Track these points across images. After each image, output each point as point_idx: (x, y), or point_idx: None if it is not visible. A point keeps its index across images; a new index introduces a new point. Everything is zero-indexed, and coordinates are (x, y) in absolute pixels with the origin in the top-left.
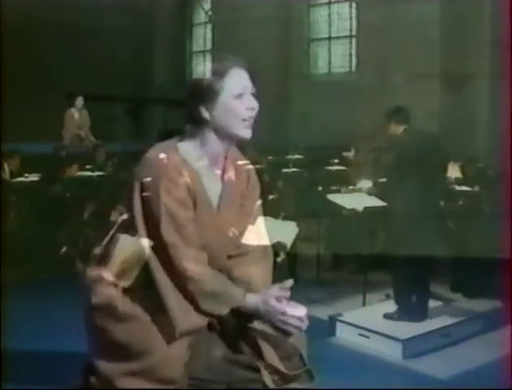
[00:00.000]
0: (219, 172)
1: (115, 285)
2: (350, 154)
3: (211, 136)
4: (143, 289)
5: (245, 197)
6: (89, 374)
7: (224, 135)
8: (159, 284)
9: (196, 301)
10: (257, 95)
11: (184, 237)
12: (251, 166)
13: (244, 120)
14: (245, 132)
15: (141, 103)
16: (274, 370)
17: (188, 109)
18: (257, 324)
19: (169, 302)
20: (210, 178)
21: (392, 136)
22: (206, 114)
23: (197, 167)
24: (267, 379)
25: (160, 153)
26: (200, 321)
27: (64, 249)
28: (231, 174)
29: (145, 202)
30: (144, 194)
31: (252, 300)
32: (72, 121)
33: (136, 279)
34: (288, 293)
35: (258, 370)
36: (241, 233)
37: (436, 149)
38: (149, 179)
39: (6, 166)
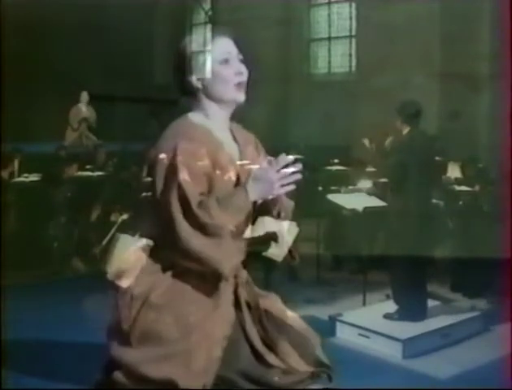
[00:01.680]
0: (231, 138)
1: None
2: (366, 142)
3: (209, 104)
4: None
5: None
6: (112, 368)
7: (220, 101)
8: (187, 240)
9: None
10: (244, 61)
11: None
12: (256, 140)
13: (235, 85)
14: (239, 96)
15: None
16: (292, 370)
17: (179, 81)
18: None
19: (205, 252)
20: (227, 139)
21: (398, 134)
22: (197, 83)
23: (213, 130)
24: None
25: (175, 130)
26: (239, 255)
27: (56, 244)
28: (240, 139)
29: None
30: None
31: (250, 185)
32: (78, 116)
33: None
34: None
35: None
36: None
37: (438, 151)
38: (168, 157)
39: (15, 164)
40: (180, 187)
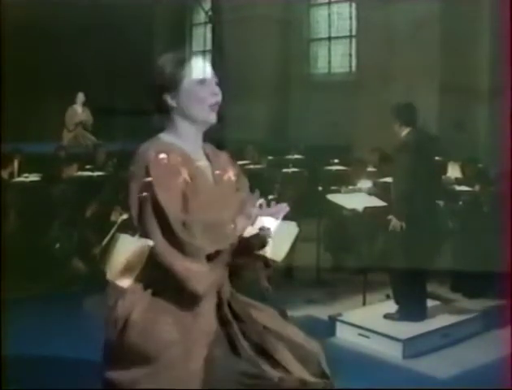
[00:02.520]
0: (204, 157)
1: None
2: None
3: (182, 123)
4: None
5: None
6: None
7: (194, 121)
8: (164, 257)
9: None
10: (219, 84)
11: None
12: (230, 157)
13: (210, 106)
14: (211, 116)
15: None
16: (294, 379)
17: (154, 99)
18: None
19: (180, 270)
20: (200, 158)
21: (397, 136)
22: (171, 102)
23: (185, 149)
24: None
25: (146, 148)
26: (214, 276)
27: (58, 245)
28: (213, 158)
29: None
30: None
31: (241, 221)
32: (74, 118)
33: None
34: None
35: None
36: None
37: (439, 151)
38: (141, 174)
39: (14, 165)
40: (156, 203)
